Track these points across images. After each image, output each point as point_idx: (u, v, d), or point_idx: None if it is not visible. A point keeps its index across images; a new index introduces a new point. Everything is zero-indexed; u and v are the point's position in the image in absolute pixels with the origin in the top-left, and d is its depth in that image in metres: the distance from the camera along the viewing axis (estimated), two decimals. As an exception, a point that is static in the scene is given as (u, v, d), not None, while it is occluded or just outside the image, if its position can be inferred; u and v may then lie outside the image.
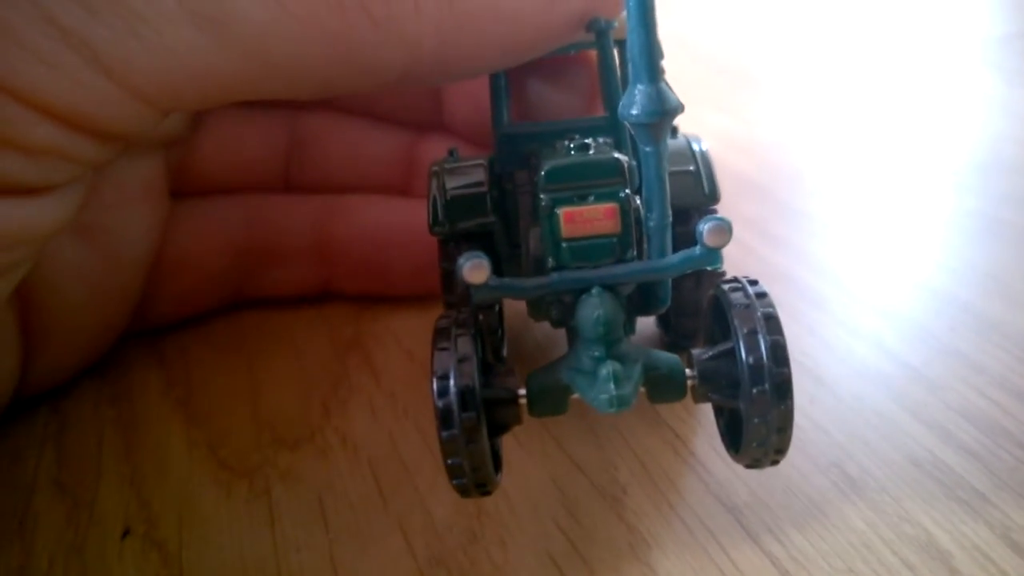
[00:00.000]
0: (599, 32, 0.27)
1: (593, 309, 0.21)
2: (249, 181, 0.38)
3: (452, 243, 0.29)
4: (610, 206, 0.22)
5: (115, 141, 0.26)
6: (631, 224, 0.22)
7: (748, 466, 0.24)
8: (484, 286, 0.21)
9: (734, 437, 0.24)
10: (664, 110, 0.20)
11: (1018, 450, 0.27)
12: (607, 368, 0.21)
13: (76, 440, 0.32)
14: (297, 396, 0.33)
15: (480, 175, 0.29)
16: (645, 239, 0.23)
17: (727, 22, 0.71)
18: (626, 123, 0.21)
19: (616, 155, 0.23)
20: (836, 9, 0.71)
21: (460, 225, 0.28)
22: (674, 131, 0.31)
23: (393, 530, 0.27)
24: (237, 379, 0.35)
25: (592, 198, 0.22)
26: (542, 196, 0.22)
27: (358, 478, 0.29)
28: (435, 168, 0.30)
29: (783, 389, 0.21)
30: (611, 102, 0.29)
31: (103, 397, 0.34)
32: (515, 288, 0.23)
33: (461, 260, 0.21)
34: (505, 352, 0.31)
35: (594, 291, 0.22)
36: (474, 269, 0.21)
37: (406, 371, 0.34)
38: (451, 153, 0.31)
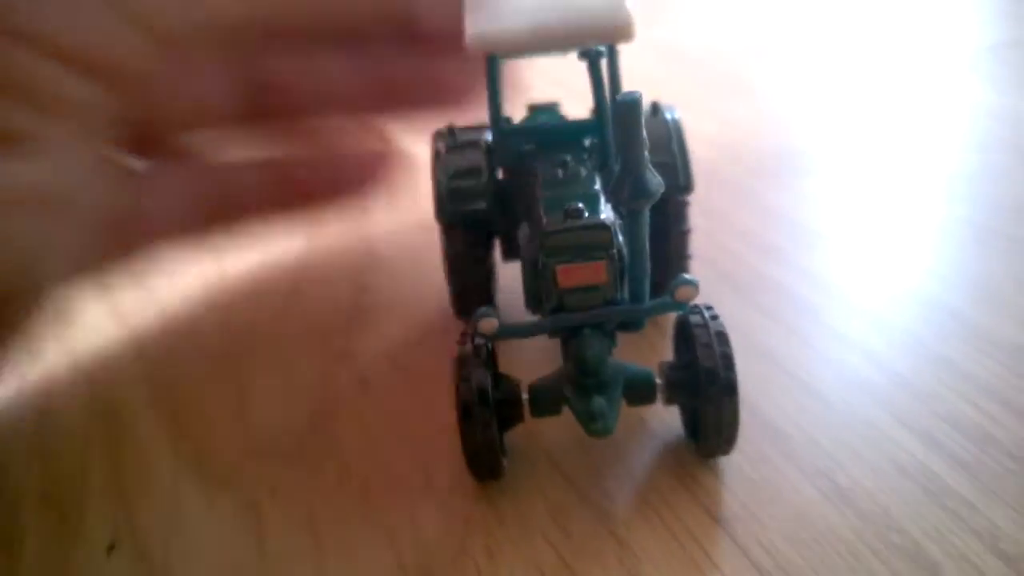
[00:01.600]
0: (591, 60, 0.29)
1: (585, 349, 0.26)
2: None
3: (455, 228, 0.33)
4: (600, 263, 0.25)
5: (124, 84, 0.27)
6: (617, 274, 0.26)
7: (706, 456, 0.28)
8: (494, 334, 0.26)
9: (694, 431, 0.28)
10: (647, 195, 0.23)
11: (1006, 459, 0.27)
12: (595, 405, 0.25)
13: (62, 453, 0.32)
14: (285, 408, 0.33)
15: (478, 158, 0.33)
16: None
17: (719, 29, 0.71)
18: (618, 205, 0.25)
19: (605, 220, 0.26)
20: (828, 17, 0.71)
21: (461, 210, 0.33)
22: (655, 109, 0.34)
23: (382, 543, 0.27)
24: (225, 391, 0.34)
25: (585, 257, 0.25)
26: (541, 257, 0.26)
27: (347, 491, 0.29)
28: (437, 148, 0.34)
29: (730, 388, 0.26)
30: (600, 112, 0.31)
31: (89, 409, 0.34)
32: (520, 331, 0.27)
33: (475, 316, 0.26)
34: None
35: (586, 331, 0.26)
36: (486, 324, 0.26)
37: (395, 384, 0.34)
38: (450, 131, 0.34)
